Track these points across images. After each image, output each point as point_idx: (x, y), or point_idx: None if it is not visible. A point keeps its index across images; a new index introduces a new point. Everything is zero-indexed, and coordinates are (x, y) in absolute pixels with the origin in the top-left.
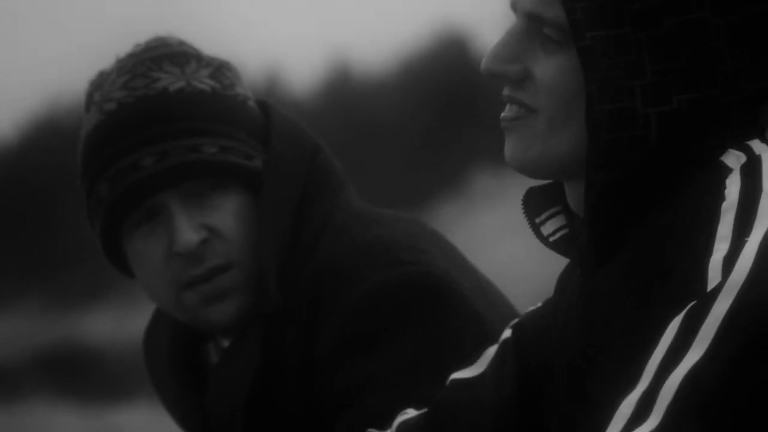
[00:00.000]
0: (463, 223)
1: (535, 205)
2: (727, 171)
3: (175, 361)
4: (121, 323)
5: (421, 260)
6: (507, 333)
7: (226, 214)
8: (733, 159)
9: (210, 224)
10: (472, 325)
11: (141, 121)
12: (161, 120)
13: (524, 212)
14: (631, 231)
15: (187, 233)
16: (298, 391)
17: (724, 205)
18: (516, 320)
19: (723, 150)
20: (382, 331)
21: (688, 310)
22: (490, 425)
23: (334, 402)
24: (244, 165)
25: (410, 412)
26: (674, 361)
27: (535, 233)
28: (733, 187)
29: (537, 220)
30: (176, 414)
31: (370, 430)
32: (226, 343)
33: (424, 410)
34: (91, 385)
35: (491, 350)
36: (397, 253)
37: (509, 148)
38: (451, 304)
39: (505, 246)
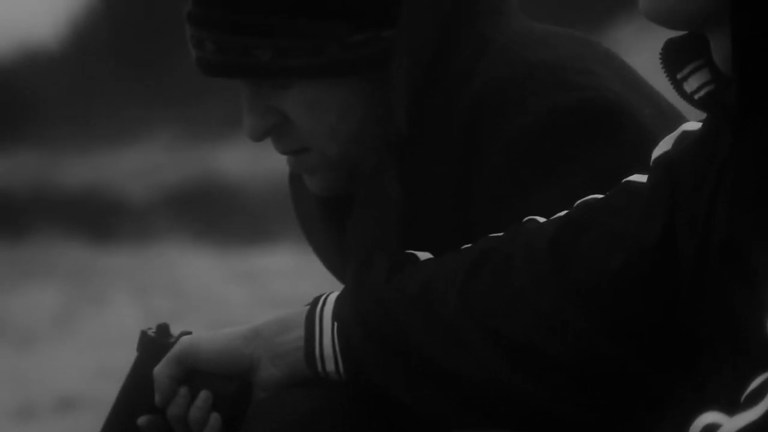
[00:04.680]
0: (641, 46)
1: (676, 59)
2: None
3: (322, 197)
4: (260, 157)
5: (592, 83)
6: (660, 170)
7: (299, 99)
8: None
9: (280, 108)
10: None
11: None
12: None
13: (663, 67)
14: None
15: (250, 119)
16: (447, 225)
17: None
18: (666, 154)
19: None
20: (548, 165)
21: None
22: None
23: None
24: None
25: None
26: None
27: (676, 90)
28: None
29: (678, 76)
30: (322, 255)
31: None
32: None
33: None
34: (229, 226)
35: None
36: (566, 77)
37: None
38: (627, 133)
39: None
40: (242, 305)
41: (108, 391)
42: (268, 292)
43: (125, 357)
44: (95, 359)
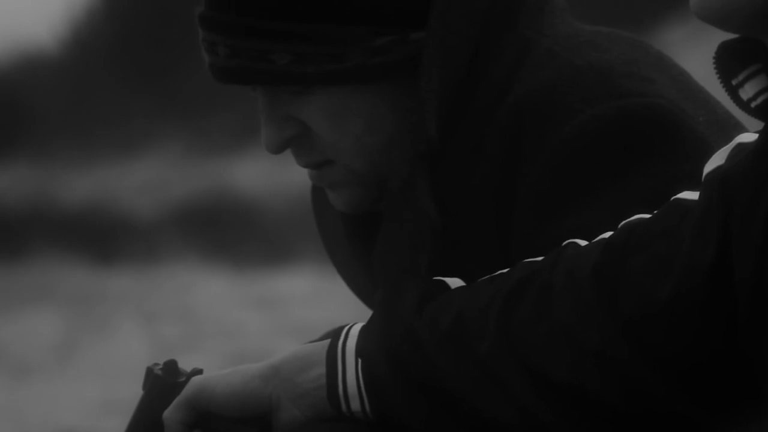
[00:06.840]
0: (693, 49)
1: (730, 64)
2: None
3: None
4: (278, 170)
5: (644, 89)
6: (713, 182)
7: (320, 108)
8: None
9: (300, 117)
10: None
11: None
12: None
13: (717, 73)
14: None
15: (267, 130)
16: (484, 244)
17: None
18: (720, 168)
19: None
20: (593, 179)
21: None
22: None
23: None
24: None
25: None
26: None
27: (731, 98)
28: None
29: (734, 82)
30: (347, 276)
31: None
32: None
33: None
34: (244, 246)
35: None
36: (614, 82)
37: None
38: (682, 142)
39: None
40: (259, 333)
41: (112, 427)
42: (288, 319)
43: (130, 389)
44: (98, 391)
